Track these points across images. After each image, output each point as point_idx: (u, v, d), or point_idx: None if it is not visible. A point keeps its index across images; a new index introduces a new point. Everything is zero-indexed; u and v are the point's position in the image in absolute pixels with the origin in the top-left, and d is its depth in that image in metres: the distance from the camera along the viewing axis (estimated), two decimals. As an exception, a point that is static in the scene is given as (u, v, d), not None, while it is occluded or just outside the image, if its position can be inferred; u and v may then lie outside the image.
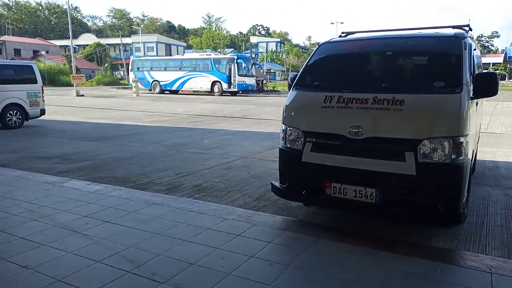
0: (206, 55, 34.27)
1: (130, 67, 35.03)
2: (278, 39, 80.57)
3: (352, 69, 4.28)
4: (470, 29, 4.33)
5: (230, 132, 10.98)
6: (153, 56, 46.35)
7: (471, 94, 3.45)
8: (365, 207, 3.46)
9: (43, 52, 54.14)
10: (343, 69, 4.36)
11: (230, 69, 29.95)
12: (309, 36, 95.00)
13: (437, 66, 3.89)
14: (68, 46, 53.22)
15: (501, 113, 15.66)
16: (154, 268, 2.90)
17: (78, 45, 64.45)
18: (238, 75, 29.72)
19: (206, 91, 31.14)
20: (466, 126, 3.25)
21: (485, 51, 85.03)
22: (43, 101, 12.03)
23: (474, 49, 4.31)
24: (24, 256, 3.08)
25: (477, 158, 6.22)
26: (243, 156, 7.42)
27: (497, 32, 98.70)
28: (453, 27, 4.32)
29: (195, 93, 31.71)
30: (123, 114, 15.91)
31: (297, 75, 4.24)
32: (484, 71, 4.52)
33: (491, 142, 9.05)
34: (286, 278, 2.80)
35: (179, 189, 5.21)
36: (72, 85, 30.57)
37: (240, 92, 30.56)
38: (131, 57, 38.28)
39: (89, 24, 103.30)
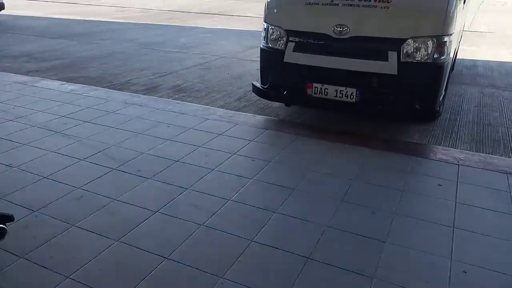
0: None
1: None
2: None
3: None
4: None
5: (207, 30, 10.45)
6: None
7: (460, -8, 3.31)
8: (345, 106, 3.52)
9: None
10: None
11: None
12: None
13: None
14: None
15: (486, 10, 15.31)
16: (139, 165, 2.96)
17: None
18: None
19: None
20: (451, 26, 3.18)
21: None
22: (1, -7, 10.90)
23: None
24: (6, 155, 3.07)
25: (457, 57, 6.23)
26: (222, 56, 7.19)
27: None
28: None
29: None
30: (92, 9, 14.73)
31: None
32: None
33: (473, 40, 8.99)
34: (268, 172, 2.92)
35: (158, 90, 5.11)
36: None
37: None
38: None
39: None
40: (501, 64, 6.89)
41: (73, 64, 6.34)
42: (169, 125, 3.76)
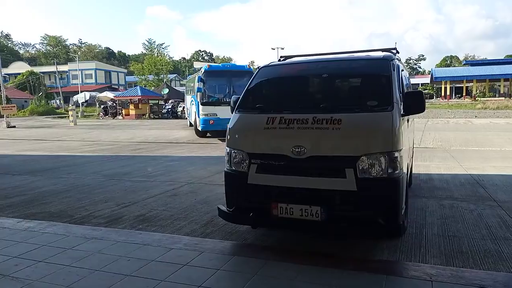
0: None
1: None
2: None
3: (291, 91, 4.40)
4: (397, 52, 4.65)
5: (175, 158, 10.74)
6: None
7: (402, 112, 3.66)
8: (311, 226, 3.50)
9: (-32, 82, 50.04)
10: (283, 91, 4.46)
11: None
12: (252, 61, 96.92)
13: (369, 86, 4.11)
14: (-3, 75, 49.84)
15: (432, 129, 16.89)
16: (93, 308, 2.68)
17: (8, 74, 60.72)
18: (202, 102, 14.91)
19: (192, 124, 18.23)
20: (399, 142, 3.42)
21: (414, 72, 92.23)
22: (-33, 134, 11.05)
23: (402, 70, 4.62)
24: None
25: (413, 172, 6.58)
26: (189, 182, 7.25)
27: (423, 55, 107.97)
28: (382, 50, 4.61)
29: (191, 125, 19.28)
30: (60, 145, 15.02)
31: (239, 98, 4.27)
32: (412, 90, 4.84)
33: (425, 156, 9.66)
34: (236, 305, 2.71)
35: (121, 221, 4.94)
36: (2, 116, 28.45)
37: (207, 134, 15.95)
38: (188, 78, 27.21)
39: (21, 52, 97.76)
40: (454, 176, 7.31)
41: (33, 200, 6.15)
42: (129, 258, 3.54)
